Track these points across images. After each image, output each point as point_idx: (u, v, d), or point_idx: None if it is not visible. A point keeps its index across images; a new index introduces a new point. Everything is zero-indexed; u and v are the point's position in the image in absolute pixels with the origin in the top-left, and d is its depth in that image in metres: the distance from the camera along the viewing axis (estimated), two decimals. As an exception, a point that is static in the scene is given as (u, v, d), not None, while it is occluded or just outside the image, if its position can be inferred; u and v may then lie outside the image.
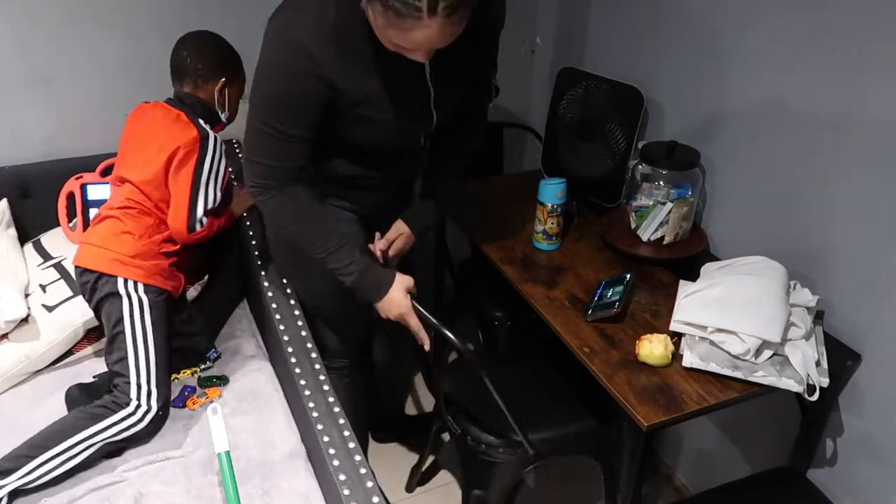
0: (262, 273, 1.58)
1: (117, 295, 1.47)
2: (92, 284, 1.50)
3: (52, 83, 1.80)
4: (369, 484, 1.15)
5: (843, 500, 1.54)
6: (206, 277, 1.71)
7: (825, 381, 1.33)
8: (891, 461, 1.43)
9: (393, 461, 2.16)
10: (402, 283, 1.42)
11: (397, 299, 1.41)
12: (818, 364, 1.35)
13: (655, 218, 1.69)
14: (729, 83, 1.64)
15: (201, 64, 1.58)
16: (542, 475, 2.11)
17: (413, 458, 2.17)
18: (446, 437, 2.19)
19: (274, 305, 1.51)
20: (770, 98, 1.54)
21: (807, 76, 1.45)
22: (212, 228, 1.59)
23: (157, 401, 1.43)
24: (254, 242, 1.67)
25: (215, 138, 1.56)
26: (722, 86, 1.66)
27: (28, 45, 1.73)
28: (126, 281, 1.48)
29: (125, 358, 1.44)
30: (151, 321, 1.48)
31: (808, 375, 1.31)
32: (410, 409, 2.31)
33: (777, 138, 1.54)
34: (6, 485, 1.29)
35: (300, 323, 1.48)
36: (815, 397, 1.30)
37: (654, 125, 1.90)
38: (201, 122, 1.56)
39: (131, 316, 1.46)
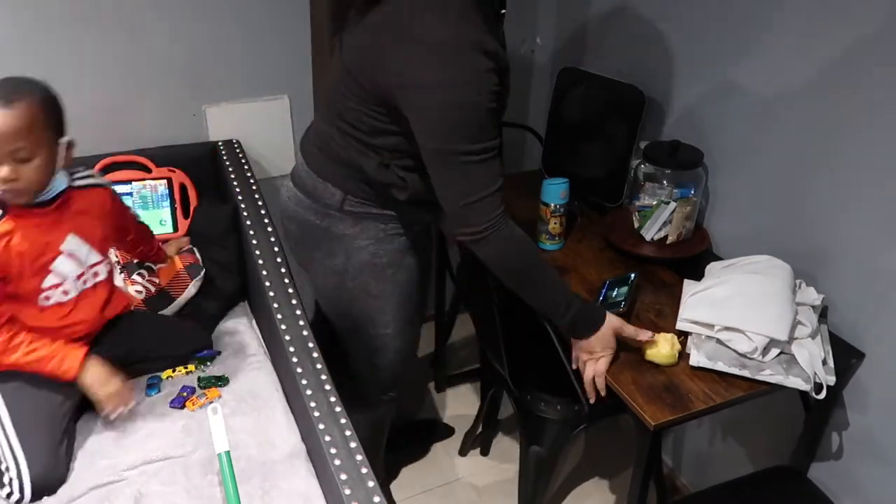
0: (264, 273, 1.57)
1: None
2: None
3: (52, 83, 1.79)
4: (371, 484, 1.14)
5: (844, 500, 1.53)
6: (202, 273, 1.70)
7: (832, 380, 1.32)
8: (892, 461, 1.42)
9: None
10: (611, 322, 1.35)
11: (608, 338, 1.34)
12: (824, 362, 1.35)
13: (659, 217, 1.69)
14: (730, 82, 1.64)
15: None
16: (591, 436, 2.26)
17: (415, 456, 2.16)
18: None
19: (276, 305, 1.50)
20: (772, 97, 1.54)
21: (809, 75, 1.44)
22: None
23: (28, 483, 1.26)
24: (255, 242, 1.66)
25: None
26: (723, 85, 1.66)
27: (28, 45, 1.72)
28: None
29: None
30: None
31: (815, 374, 1.31)
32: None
33: (779, 137, 1.54)
34: None
35: (301, 322, 1.46)
36: (822, 396, 1.30)
37: (655, 125, 1.89)
38: None
39: None
